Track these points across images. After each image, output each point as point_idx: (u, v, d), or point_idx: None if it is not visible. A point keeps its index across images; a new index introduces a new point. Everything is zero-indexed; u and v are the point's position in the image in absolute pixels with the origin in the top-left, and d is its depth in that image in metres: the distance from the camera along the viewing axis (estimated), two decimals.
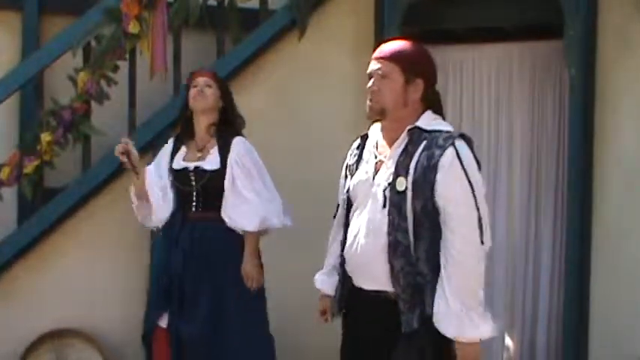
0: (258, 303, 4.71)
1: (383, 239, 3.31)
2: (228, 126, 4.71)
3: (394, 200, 3.30)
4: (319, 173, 5.47)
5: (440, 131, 3.36)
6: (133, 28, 5.38)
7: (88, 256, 5.52)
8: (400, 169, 3.31)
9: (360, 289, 3.45)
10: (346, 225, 3.54)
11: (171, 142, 4.83)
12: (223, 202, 4.59)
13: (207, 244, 4.59)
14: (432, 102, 3.46)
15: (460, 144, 3.31)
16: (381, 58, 3.44)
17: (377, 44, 5.49)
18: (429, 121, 3.41)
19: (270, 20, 5.63)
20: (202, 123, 4.70)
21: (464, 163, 3.27)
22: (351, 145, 3.65)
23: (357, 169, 3.50)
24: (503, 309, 5.56)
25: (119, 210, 5.52)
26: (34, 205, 5.53)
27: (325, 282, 3.74)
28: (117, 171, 5.49)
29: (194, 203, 4.65)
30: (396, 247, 3.29)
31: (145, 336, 4.73)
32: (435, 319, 3.26)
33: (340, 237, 3.61)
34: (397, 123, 3.39)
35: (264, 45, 5.62)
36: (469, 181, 3.26)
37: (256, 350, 4.64)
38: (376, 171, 3.41)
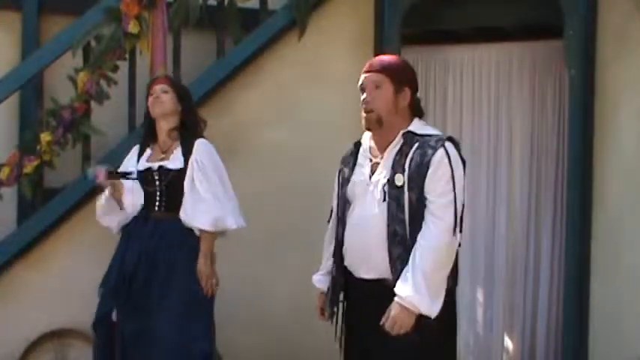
0: (203, 310, 4.67)
1: (383, 230, 3.66)
2: (190, 128, 4.78)
3: (393, 194, 3.67)
4: (318, 173, 5.47)
5: (430, 135, 3.75)
6: (132, 28, 5.38)
7: (87, 256, 5.51)
8: (397, 167, 3.69)
9: (361, 280, 3.77)
10: (343, 224, 3.86)
11: (135, 148, 4.91)
12: (182, 201, 4.65)
13: (165, 245, 4.65)
14: (417, 108, 3.85)
15: (449, 145, 3.70)
16: (372, 71, 3.80)
17: (377, 45, 5.58)
18: (419, 126, 3.79)
19: (270, 20, 5.63)
20: (163, 128, 4.78)
21: (452, 162, 3.66)
22: (345, 153, 3.98)
23: (352, 174, 3.85)
24: (503, 309, 5.56)
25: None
26: (34, 205, 5.53)
27: (323, 281, 4.03)
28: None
29: (157, 203, 4.72)
30: (394, 237, 3.64)
31: (95, 326, 4.77)
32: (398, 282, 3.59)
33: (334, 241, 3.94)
34: (389, 129, 3.76)
35: (264, 45, 5.62)
36: (453, 178, 3.65)
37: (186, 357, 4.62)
38: (372, 172, 3.77)
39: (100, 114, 5.55)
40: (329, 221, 4.02)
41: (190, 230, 4.66)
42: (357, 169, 3.84)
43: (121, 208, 4.80)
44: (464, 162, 3.73)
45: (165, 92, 4.77)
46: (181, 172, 4.66)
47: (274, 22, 5.62)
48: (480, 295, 5.67)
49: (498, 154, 5.68)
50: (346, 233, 3.83)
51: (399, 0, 5.39)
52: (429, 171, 3.63)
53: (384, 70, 3.77)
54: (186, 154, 4.68)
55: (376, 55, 5.47)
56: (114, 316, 4.68)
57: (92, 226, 5.51)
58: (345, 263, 3.84)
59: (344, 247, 3.84)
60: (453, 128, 5.65)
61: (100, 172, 4.76)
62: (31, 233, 5.42)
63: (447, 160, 3.65)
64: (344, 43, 5.62)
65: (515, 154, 5.63)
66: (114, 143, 5.57)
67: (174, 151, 4.73)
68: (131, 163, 4.85)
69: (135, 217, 4.78)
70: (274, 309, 5.42)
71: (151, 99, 4.78)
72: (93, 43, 5.49)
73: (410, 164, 3.66)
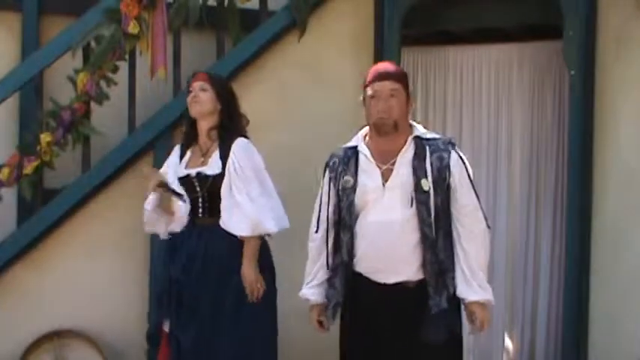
0: (263, 312, 4.56)
1: (414, 234, 3.79)
2: (229, 128, 4.61)
3: (421, 199, 3.78)
4: (319, 173, 5.47)
5: (435, 138, 3.92)
6: (132, 28, 5.38)
7: (87, 256, 5.51)
8: (419, 172, 3.80)
9: (378, 285, 3.83)
10: (351, 232, 3.88)
11: (177, 149, 4.75)
12: (221, 207, 4.52)
13: (211, 251, 4.51)
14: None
15: (457, 148, 3.91)
16: (390, 79, 3.88)
17: (377, 45, 5.58)
18: (422, 131, 3.93)
19: (270, 21, 5.63)
20: (203, 127, 4.62)
21: (465, 163, 3.88)
22: (330, 159, 4.08)
23: (357, 181, 3.89)
24: (503, 309, 5.56)
25: (119, 211, 5.52)
26: (34, 205, 5.52)
27: (316, 294, 4.04)
28: (116, 172, 5.50)
29: (200, 209, 4.58)
30: (425, 240, 3.78)
31: (149, 337, 4.69)
32: (459, 291, 3.81)
33: (325, 252, 3.99)
34: (397, 134, 3.86)
35: (264, 45, 5.62)
36: (469, 178, 3.87)
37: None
38: (385, 178, 3.83)
39: (100, 115, 5.55)
40: (316, 231, 4.02)
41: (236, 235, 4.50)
42: (361, 176, 3.88)
43: (169, 216, 4.63)
44: None
45: (204, 90, 4.58)
46: (220, 177, 4.49)
47: (274, 22, 5.62)
48: None
49: (498, 154, 5.68)
50: (359, 241, 3.85)
51: (399, 0, 5.39)
52: (454, 176, 3.82)
53: (399, 78, 3.90)
54: (224, 157, 4.52)
55: (376, 55, 5.51)
56: (166, 326, 4.55)
57: (92, 227, 5.53)
58: (360, 269, 3.86)
59: (356, 254, 3.85)
60: (452, 129, 5.65)
61: (153, 175, 4.58)
62: (31, 234, 5.42)
63: (462, 163, 3.86)
64: (344, 44, 5.62)
65: (515, 155, 5.63)
66: (114, 144, 5.56)
67: (213, 155, 4.55)
68: (172, 165, 4.67)
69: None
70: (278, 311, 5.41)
71: (189, 98, 4.60)
72: (93, 44, 5.49)
73: (431, 169, 3.80)
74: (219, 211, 4.51)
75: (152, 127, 5.51)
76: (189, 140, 4.69)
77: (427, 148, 3.84)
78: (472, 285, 3.79)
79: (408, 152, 3.83)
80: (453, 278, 3.81)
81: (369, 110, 3.89)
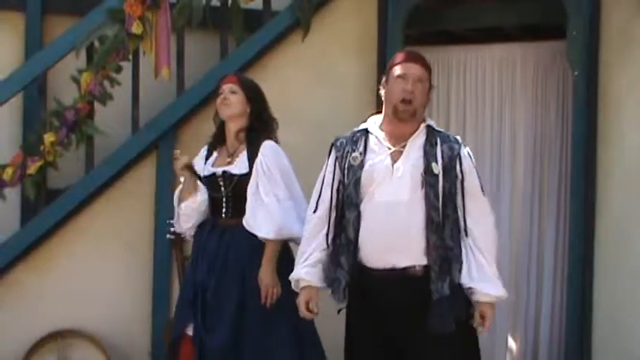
0: (287, 318, 4.41)
1: (421, 216, 3.75)
2: (258, 130, 4.57)
3: (430, 181, 3.77)
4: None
5: (444, 132, 3.96)
6: (136, 28, 5.38)
7: (91, 256, 5.52)
8: (430, 156, 3.80)
9: (380, 271, 3.77)
10: (357, 211, 3.81)
11: (203, 150, 4.71)
12: (246, 207, 4.46)
13: (233, 251, 4.47)
14: None
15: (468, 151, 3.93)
16: (419, 64, 3.90)
17: (380, 45, 5.58)
18: (433, 122, 3.96)
19: (274, 21, 5.63)
20: (231, 129, 4.58)
21: (473, 161, 3.91)
22: (337, 140, 4.00)
23: (365, 159, 3.84)
24: (507, 309, 5.56)
25: (122, 210, 5.53)
26: (38, 205, 5.53)
27: (310, 274, 3.92)
28: (120, 172, 5.50)
29: (224, 209, 4.54)
30: (431, 223, 3.74)
31: (172, 343, 4.60)
32: (475, 284, 3.76)
33: (325, 231, 3.90)
34: (413, 120, 3.86)
35: (268, 45, 5.62)
36: (476, 171, 3.90)
37: None
38: (393, 159, 3.81)
39: (104, 115, 5.55)
40: (315, 211, 3.93)
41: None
42: (369, 155, 3.84)
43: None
44: None
45: (234, 93, 4.55)
46: (246, 177, 4.45)
47: (278, 22, 5.62)
48: None
49: (501, 155, 5.67)
50: (365, 221, 3.79)
51: (403, 0, 5.39)
52: (464, 165, 3.83)
53: (426, 65, 3.91)
54: (252, 157, 4.47)
55: (379, 55, 5.52)
56: (189, 329, 4.47)
57: (95, 227, 5.53)
58: (365, 252, 3.79)
59: (361, 234, 3.79)
60: (456, 129, 5.64)
61: (180, 160, 4.56)
62: (35, 234, 5.42)
63: (470, 160, 3.88)
64: (347, 44, 5.62)
65: (519, 155, 5.63)
66: (117, 144, 5.57)
67: (240, 155, 4.52)
68: (199, 166, 4.63)
69: (204, 226, 4.59)
70: None
71: (219, 100, 4.57)
72: (96, 44, 5.49)
73: (442, 155, 3.81)
74: (242, 212, 4.45)
75: (156, 128, 5.51)
76: (217, 142, 4.65)
77: (438, 138, 3.86)
78: (491, 279, 3.80)
79: (419, 137, 3.85)
80: (460, 270, 3.76)
81: (393, 90, 3.85)
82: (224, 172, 4.52)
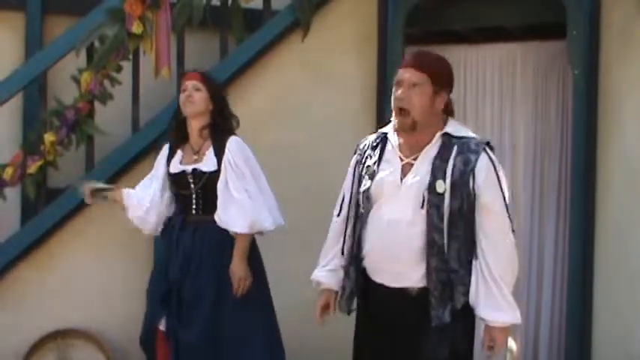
0: (260, 307, 4.62)
1: (421, 238, 3.52)
2: (222, 127, 4.64)
3: (433, 201, 3.51)
4: (322, 173, 5.48)
5: (467, 137, 3.61)
6: (136, 28, 5.38)
7: (91, 256, 5.52)
8: (437, 172, 3.52)
9: (380, 286, 3.62)
10: (362, 223, 3.68)
11: (166, 147, 4.78)
12: (217, 204, 4.54)
13: (207, 247, 4.55)
14: (450, 109, 3.69)
15: (489, 150, 3.60)
16: (413, 67, 3.59)
17: (380, 44, 5.58)
18: (455, 128, 3.63)
19: (274, 20, 5.63)
20: (195, 127, 4.64)
21: (496, 167, 3.58)
22: (361, 142, 3.81)
23: (378, 170, 3.65)
24: None
25: (122, 210, 5.52)
26: (38, 205, 5.53)
27: (329, 277, 3.84)
28: (119, 171, 5.50)
29: (194, 206, 4.61)
30: (432, 246, 3.50)
31: (143, 338, 4.69)
32: (476, 305, 3.52)
33: (344, 237, 3.77)
34: (423, 130, 3.58)
35: (268, 45, 5.62)
36: (499, 183, 3.57)
37: (258, 354, 4.57)
38: (404, 173, 3.59)
39: (104, 114, 5.55)
40: (338, 215, 3.82)
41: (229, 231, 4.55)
42: (383, 165, 3.65)
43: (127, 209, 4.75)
44: None
45: (198, 90, 4.61)
46: (215, 174, 4.52)
47: (278, 22, 5.62)
48: None
49: (502, 154, 5.66)
50: (369, 234, 3.64)
51: (403, 0, 5.39)
52: (478, 179, 3.52)
53: (427, 69, 3.57)
54: (219, 154, 4.54)
55: (380, 54, 5.51)
56: (162, 325, 4.57)
57: (95, 226, 5.53)
58: (366, 265, 3.67)
59: (364, 247, 3.66)
60: None
61: (85, 190, 4.80)
62: (35, 233, 5.43)
63: (492, 166, 3.56)
64: (347, 43, 5.62)
65: (519, 154, 5.63)
66: (117, 143, 5.57)
67: (207, 152, 4.59)
68: (161, 164, 4.73)
69: (172, 223, 4.67)
70: (279, 311, 5.41)
71: (182, 96, 4.62)
72: (97, 44, 5.49)
73: (452, 171, 3.51)
74: (212, 208, 4.54)
75: (156, 127, 5.51)
76: (179, 140, 4.70)
77: (455, 148, 3.55)
78: (499, 303, 3.50)
79: (432, 149, 3.57)
80: (464, 294, 3.52)
81: (392, 99, 3.62)
82: (194, 169, 4.58)
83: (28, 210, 5.70)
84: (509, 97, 5.66)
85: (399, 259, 3.55)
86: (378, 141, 3.73)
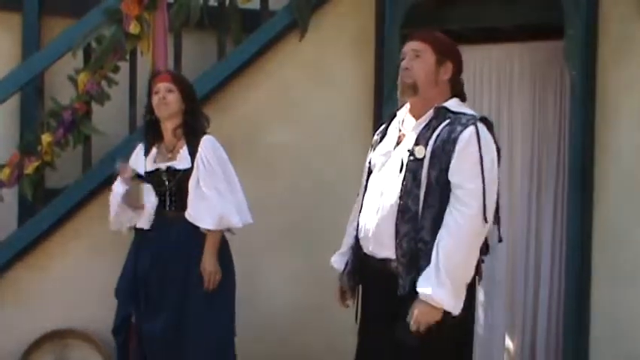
0: (225, 304, 4.72)
1: (394, 203, 3.49)
2: (194, 126, 4.71)
3: (411, 167, 3.49)
4: (320, 173, 5.48)
5: (464, 113, 3.58)
6: (133, 28, 5.38)
7: (88, 256, 5.52)
8: (421, 139, 3.52)
9: (370, 258, 3.61)
10: (364, 195, 3.72)
11: (140, 147, 4.86)
12: (187, 200, 4.63)
13: (179, 242, 4.64)
14: (459, 90, 3.70)
15: (481, 125, 3.52)
16: (416, 39, 3.66)
17: (378, 44, 5.57)
18: (455, 104, 3.63)
19: (271, 21, 5.63)
20: (169, 127, 4.73)
21: (481, 142, 3.46)
22: (382, 123, 3.88)
23: (380, 142, 3.73)
24: (504, 309, 5.56)
25: None
26: (35, 205, 5.53)
27: (339, 261, 3.88)
28: (117, 172, 5.49)
29: (167, 203, 4.70)
30: (404, 212, 3.47)
31: (115, 331, 4.81)
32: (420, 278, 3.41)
33: (357, 218, 3.77)
34: (425, 101, 3.60)
35: (265, 46, 5.62)
36: (481, 160, 3.44)
37: (215, 352, 4.65)
38: (398, 142, 3.64)
39: (101, 115, 5.55)
40: (358, 195, 3.83)
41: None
42: (385, 138, 3.72)
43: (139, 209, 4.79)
44: (498, 149, 3.58)
45: (171, 91, 4.69)
46: (189, 172, 4.62)
47: (275, 22, 5.62)
48: (480, 295, 5.66)
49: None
50: (363, 204, 3.68)
51: (401, 0, 5.39)
52: (456, 150, 3.44)
53: (427, 39, 3.65)
54: (193, 153, 4.64)
55: (377, 54, 5.52)
56: (133, 319, 4.71)
57: (93, 227, 5.53)
58: (359, 239, 3.68)
59: (359, 219, 3.69)
60: None
61: (125, 169, 4.77)
62: (32, 234, 5.43)
63: (475, 140, 3.46)
64: (345, 43, 5.61)
65: (516, 155, 5.62)
66: (114, 144, 5.57)
67: (181, 151, 4.69)
68: (139, 162, 4.81)
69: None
70: (275, 309, 5.41)
71: (156, 99, 4.70)
72: (94, 44, 5.49)
73: (436, 139, 3.48)
74: (184, 205, 4.63)
75: None
76: (154, 139, 4.79)
77: (447, 120, 3.52)
78: (431, 279, 3.36)
79: (424, 120, 3.58)
80: None
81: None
82: (168, 167, 4.68)
83: (25, 210, 5.70)
84: (506, 97, 5.65)
85: (378, 225, 3.55)
86: (390, 118, 3.80)
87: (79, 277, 5.50)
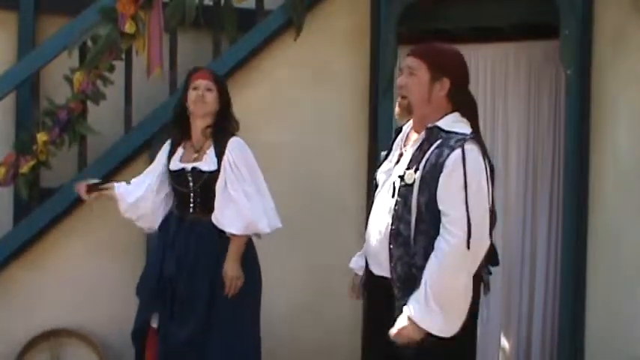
0: (251, 309, 4.64)
1: (388, 227, 3.51)
2: (224, 127, 4.64)
3: (402, 192, 3.49)
4: (316, 173, 5.48)
5: (456, 133, 3.49)
6: (129, 27, 5.37)
7: (84, 255, 5.52)
8: (412, 163, 3.50)
9: (371, 273, 3.67)
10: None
11: (167, 143, 4.79)
12: (214, 204, 4.54)
13: (202, 247, 4.55)
14: (460, 103, 3.59)
15: (470, 147, 3.44)
16: (412, 55, 3.62)
17: (373, 44, 5.58)
18: (450, 122, 3.55)
19: (266, 20, 5.63)
20: (199, 126, 4.66)
21: (467, 167, 3.40)
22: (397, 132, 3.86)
23: (385, 159, 3.74)
24: (500, 308, 5.56)
25: (115, 209, 5.50)
26: (30, 205, 5.52)
27: (356, 262, 3.94)
28: (112, 171, 5.49)
29: (191, 205, 4.60)
30: (397, 237, 3.48)
31: (135, 334, 4.71)
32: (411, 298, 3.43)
33: None
34: (421, 118, 3.58)
35: (260, 45, 5.62)
36: (466, 186, 3.39)
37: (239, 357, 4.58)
38: (398, 160, 3.63)
39: (97, 114, 5.55)
40: None
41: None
42: (390, 155, 3.73)
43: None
44: (492, 168, 3.56)
45: (210, 90, 4.62)
46: (215, 174, 4.53)
47: (270, 22, 5.61)
48: None
49: (494, 154, 5.66)
50: (369, 221, 3.71)
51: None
52: (441, 177, 3.40)
53: (422, 55, 3.59)
54: (220, 154, 4.54)
55: (372, 54, 5.52)
56: (153, 322, 4.60)
57: (88, 226, 5.53)
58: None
59: (366, 234, 3.73)
60: None
61: (80, 188, 4.84)
62: (28, 233, 5.42)
63: (461, 165, 3.40)
64: (340, 43, 5.61)
65: (511, 154, 5.63)
66: (110, 143, 5.57)
67: (208, 151, 4.59)
68: (162, 159, 4.74)
69: (169, 220, 4.69)
70: (274, 309, 5.41)
71: (194, 94, 4.61)
72: (89, 43, 5.48)
73: (425, 163, 3.45)
74: (210, 208, 4.54)
75: (148, 127, 5.51)
76: (182, 137, 4.71)
77: (438, 141, 3.48)
78: (418, 297, 3.39)
79: (418, 140, 3.57)
80: None
81: None
82: (193, 168, 4.59)
83: (20, 210, 5.69)
84: (501, 96, 5.66)
85: (375, 246, 3.59)
86: (395, 134, 3.80)
87: (74, 277, 5.50)
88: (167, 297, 4.55)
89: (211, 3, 5.65)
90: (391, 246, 3.50)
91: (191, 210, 4.61)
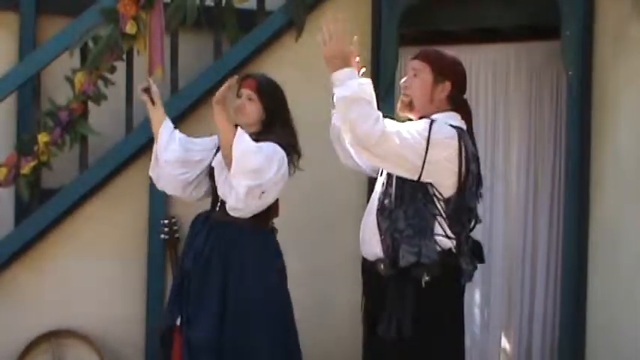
0: (278, 309, 4.55)
1: (377, 204, 3.81)
2: (266, 137, 4.51)
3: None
4: (317, 174, 5.47)
5: (445, 123, 3.77)
6: (130, 28, 5.37)
7: (85, 256, 5.51)
8: None
9: (365, 260, 3.89)
10: None
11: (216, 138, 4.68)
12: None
13: (217, 246, 4.49)
14: (459, 106, 3.87)
15: (440, 123, 3.72)
16: (416, 58, 3.91)
17: (374, 45, 5.58)
18: (445, 117, 3.80)
19: (267, 21, 5.63)
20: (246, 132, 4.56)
21: (432, 126, 3.68)
22: None
23: None
24: (500, 309, 5.57)
25: (116, 210, 5.52)
26: (31, 205, 5.52)
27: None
28: (114, 171, 5.49)
29: (218, 204, 4.57)
30: (383, 211, 3.76)
31: (162, 336, 4.64)
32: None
33: None
34: (422, 116, 3.83)
35: (261, 46, 5.62)
36: (429, 139, 3.66)
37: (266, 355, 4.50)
38: None
39: (98, 115, 5.55)
40: None
41: (250, 233, 4.50)
42: None
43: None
44: (476, 157, 3.80)
45: (251, 100, 4.53)
46: None
47: (271, 22, 5.62)
48: (477, 295, 5.67)
49: (496, 155, 5.67)
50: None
51: (397, 0, 5.39)
52: None
53: (427, 58, 3.87)
54: None
55: (374, 55, 5.52)
56: (178, 321, 4.53)
57: (90, 227, 5.52)
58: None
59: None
60: None
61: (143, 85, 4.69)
62: (29, 234, 5.41)
63: (427, 126, 3.68)
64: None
65: (512, 156, 5.63)
66: (111, 144, 5.56)
67: None
68: (209, 155, 4.65)
69: (200, 217, 4.64)
70: None
71: (236, 104, 4.54)
72: (90, 44, 5.48)
73: None
74: None
75: (149, 128, 5.48)
76: None
77: None
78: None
79: None
80: (409, 252, 3.64)
81: None
82: None
83: (21, 211, 5.68)
84: (502, 96, 5.67)
85: (366, 229, 3.85)
86: None
87: (75, 277, 5.49)
88: (185, 292, 4.51)
89: (212, 4, 5.65)
90: (379, 220, 3.75)
91: (217, 209, 4.57)
